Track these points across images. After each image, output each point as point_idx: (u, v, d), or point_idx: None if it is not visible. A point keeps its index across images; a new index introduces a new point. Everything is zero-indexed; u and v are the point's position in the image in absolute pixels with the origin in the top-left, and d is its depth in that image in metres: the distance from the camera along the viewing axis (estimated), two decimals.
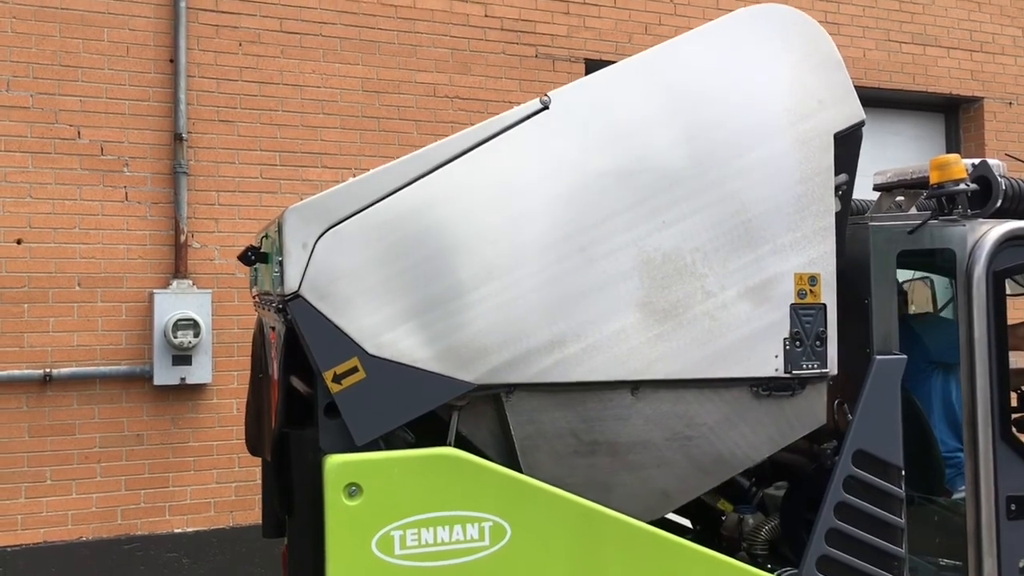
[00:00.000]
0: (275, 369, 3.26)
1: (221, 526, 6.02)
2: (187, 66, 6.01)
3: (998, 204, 3.50)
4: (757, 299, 3.13)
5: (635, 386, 3.03)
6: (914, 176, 3.86)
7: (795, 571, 3.25)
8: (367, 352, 2.77)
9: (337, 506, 2.69)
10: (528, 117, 2.97)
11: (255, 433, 3.89)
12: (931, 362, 3.90)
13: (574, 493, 2.99)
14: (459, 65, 6.64)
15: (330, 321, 2.76)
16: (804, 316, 3.16)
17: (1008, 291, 4.38)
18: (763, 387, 3.15)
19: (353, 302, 2.79)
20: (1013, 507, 3.34)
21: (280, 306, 2.83)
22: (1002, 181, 3.56)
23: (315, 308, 2.75)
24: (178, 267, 5.91)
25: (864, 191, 4.24)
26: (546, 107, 3.00)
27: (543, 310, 2.94)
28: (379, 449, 2.82)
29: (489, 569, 2.79)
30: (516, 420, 2.94)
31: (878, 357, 3.35)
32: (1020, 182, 3.63)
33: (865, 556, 3.23)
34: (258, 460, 5.83)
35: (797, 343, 3.15)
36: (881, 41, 8.09)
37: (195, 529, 5.97)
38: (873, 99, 8.24)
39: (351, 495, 2.70)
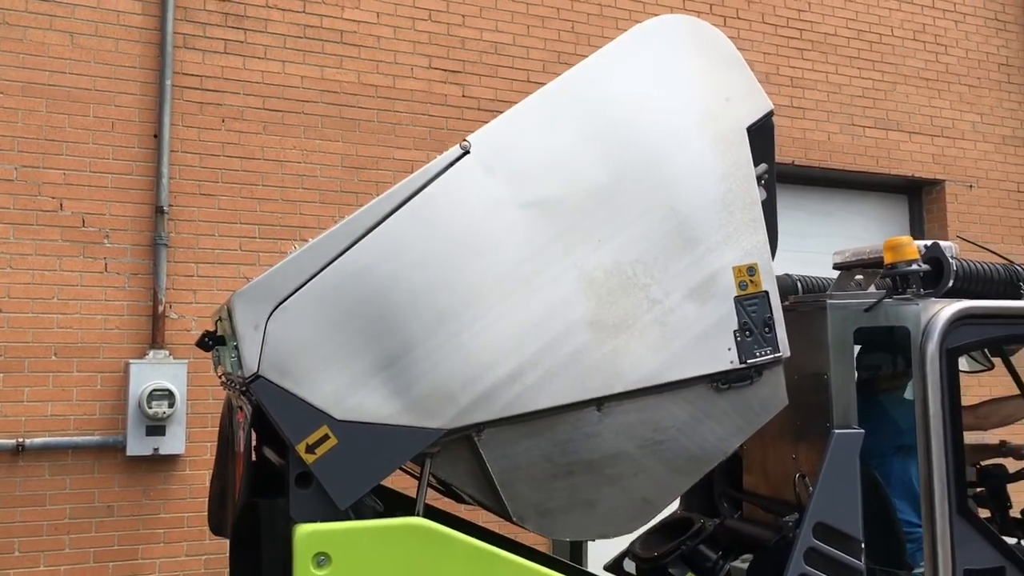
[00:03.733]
0: (241, 444, 3.28)
1: None
2: (171, 141, 6.08)
3: (950, 284, 3.60)
4: (702, 298, 3.18)
5: (599, 403, 3.06)
6: (871, 256, 3.98)
7: None
8: (335, 418, 2.80)
9: (306, 575, 2.71)
10: (451, 164, 3.02)
11: (219, 512, 3.87)
12: (902, 447, 3.96)
13: (559, 517, 3.06)
14: (437, 143, 6.75)
15: (294, 395, 2.80)
16: (749, 306, 3.22)
17: (967, 368, 4.53)
18: (722, 381, 3.19)
19: (313, 372, 2.83)
20: None
21: (243, 388, 2.86)
22: (953, 262, 3.67)
23: (277, 385, 2.79)
24: (155, 337, 5.90)
25: (825, 269, 4.38)
26: (467, 151, 3.05)
27: (498, 346, 2.98)
28: (348, 518, 2.85)
29: None
30: (490, 456, 2.97)
31: (836, 431, 3.42)
32: (971, 263, 3.76)
33: None
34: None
35: (747, 333, 3.21)
36: (845, 125, 8.29)
37: None
38: (838, 181, 8.48)
39: (319, 564, 2.71)
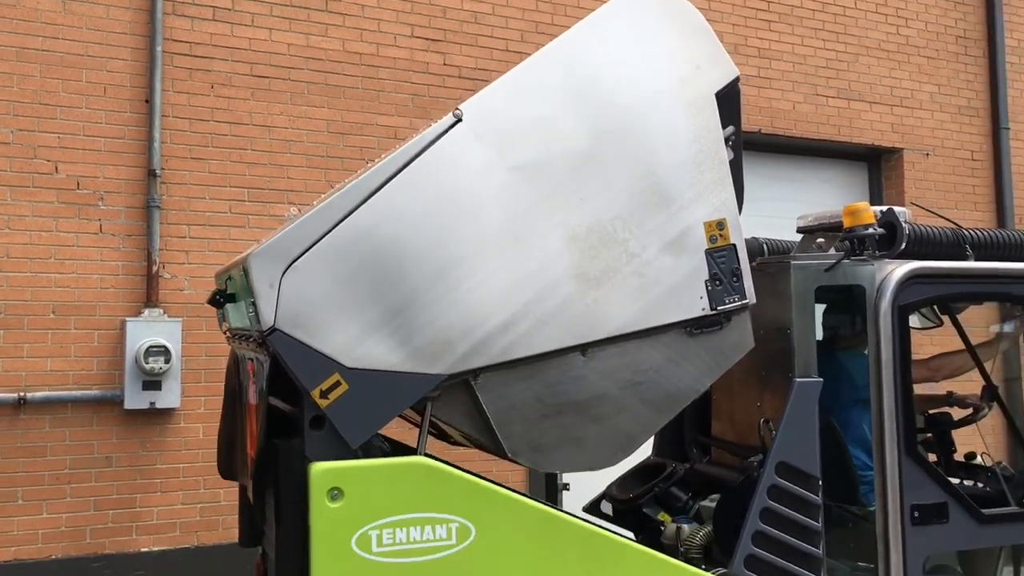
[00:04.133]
0: (252, 393, 3.52)
1: (186, 545, 6.14)
2: (162, 106, 6.22)
3: (902, 246, 3.90)
4: (676, 251, 3.42)
5: (584, 348, 3.30)
6: (831, 220, 4.27)
7: (726, 571, 3.57)
8: (345, 366, 3.01)
9: (321, 508, 2.94)
10: (446, 131, 3.22)
11: (228, 458, 4.10)
12: (861, 401, 4.26)
13: (550, 452, 3.31)
14: (419, 109, 6.95)
15: (308, 346, 3.00)
16: (719, 258, 3.47)
17: (918, 325, 4.85)
18: (694, 327, 3.44)
19: (325, 325, 3.03)
20: (917, 514, 3.69)
21: (261, 340, 3.06)
22: (906, 226, 3.96)
23: (292, 337, 2.99)
24: (149, 296, 6.08)
25: (790, 232, 4.67)
26: (460, 119, 3.25)
27: (492, 298, 3.20)
28: (358, 457, 3.09)
29: (455, 566, 3.05)
30: (487, 398, 3.21)
31: (798, 380, 3.70)
32: (922, 227, 4.06)
33: (787, 556, 3.53)
34: (222, 483, 6.05)
35: (717, 283, 3.46)
36: (809, 95, 8.56)
37: (161, 548, 6.08)
38: (802, 148, 8.75)
39: (333, 498, 2.95)
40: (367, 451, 3.15)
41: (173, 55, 6.32)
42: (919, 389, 4.93)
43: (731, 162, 3.59)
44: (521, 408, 3.27)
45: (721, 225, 3.51)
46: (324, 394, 2.99)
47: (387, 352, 3.08)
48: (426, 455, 3.17)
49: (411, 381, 3.10)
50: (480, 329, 3.19)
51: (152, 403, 5.96)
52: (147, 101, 6.22)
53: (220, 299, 3.54)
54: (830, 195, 9.08)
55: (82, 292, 6.00)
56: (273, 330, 2.97)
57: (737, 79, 3.63)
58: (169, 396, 6.02)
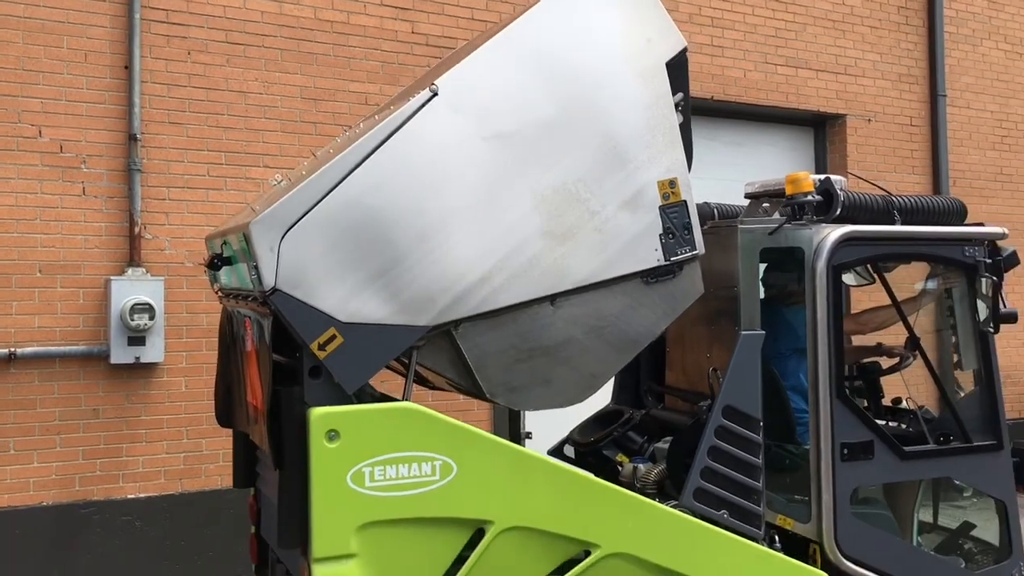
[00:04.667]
0: (251, 344, 3.80)
1: (171, 492, 6.35)
2: (140, 72, 6.32)
3: (838, 212, 4.26)
4: (632, 208, 3.73)
5: (552, 299, 3.61)
6: (775, 188, 4.63)
7: (677, 502, 3.95)
8: (340, 321, 3.30)
9: (320, 448, 3.24)
10: (423, 106, 3.48)
11: (225, 408, 4.34)
12: (800, 350, 4.61)
13: (524, 392, 3.63)
14: (389, 76, 7.12)
15: (306, 304, 3.27)
16: (671, 213, 3.78)
17: (854, 282, 5.25)
18: (650, 276, 3.76)
19: (320, 284, 3.30)
20: (845, 451, 4.10)
21: (263, 300, 3.32)
22: (841, 194, 4.31)
23: (292, 296, 3.25)
24: (132, 256, 6.23)
25: (740, 195, 5.01)
26: (436, 94, 3.50)
27: (469, 256, 3.48)
28: (351, 403, 3.38)
29: (439, 499, 3.36)
30: (466, 346, 3.52)
31: (743, 333, 4.08)
32: (857, 194, 4.41)
33: (731, 489, 3.92)
34: (204, 433, 6.36)
35: (670, 236, 3.77)
36: (759, 63, 8.85)
37: (147, 495, 6.29)
38: (752, 114, 9.10)
39: (331, 439, 3.25)
40: (359, 398, 3.46)
41: (151, 22, 6.40)
42: (854, 341, 5.37)
43: (681, 125, 3.90)
44: (497, 354, 3.58)
45: (673, 184, 3.82)
46: (322, 347, 3.28)
47: (377, 307, 3.37)
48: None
49: (399, 332, 3.39)
50: (459, 284, 3.47)
51: (137, 358, 6.14)
52: (126, 67, 6.32)
53: (218, 263, 3.78)
54: (778, 159, 9.44)
55: (67, 252, 6.14)
56: (275, 290, 3.23)
57: (685, 49, 3.93)
58: (153, 351, 6.20)
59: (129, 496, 6.28)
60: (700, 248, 3.84)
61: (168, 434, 6.40)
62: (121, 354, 6.14)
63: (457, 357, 3.55)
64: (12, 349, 5.95)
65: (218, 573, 6.47)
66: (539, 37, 3.74)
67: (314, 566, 3.25)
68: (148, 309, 6.11)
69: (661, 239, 3.77)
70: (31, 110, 6.11)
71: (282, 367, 3.61)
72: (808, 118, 9.45)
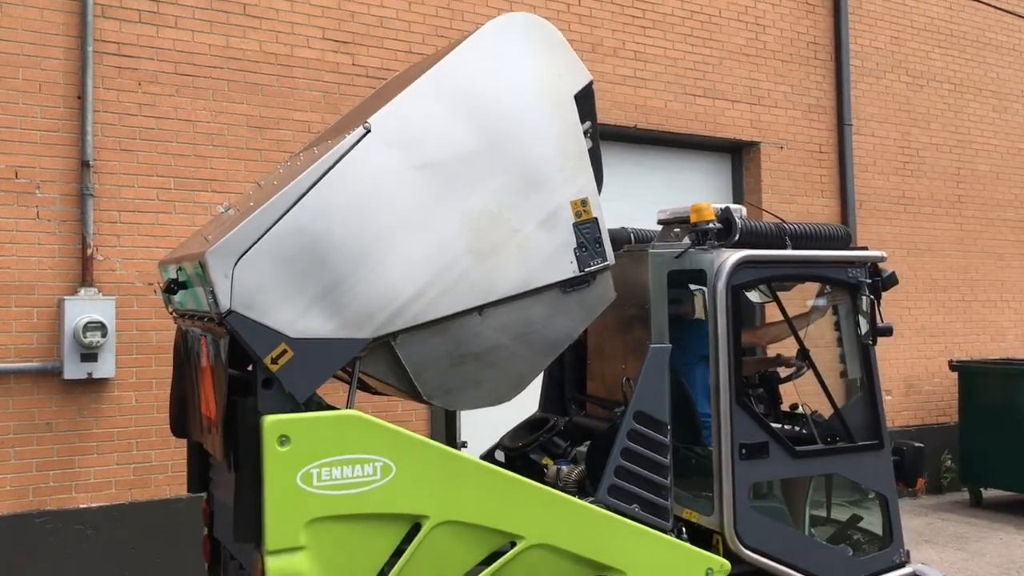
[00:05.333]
0: (206, 364, 4.06)
1: (121, 502, 6.51)
2: (93, 102, 6.50)
3: (736, 238, 4.65)
4: (549, 226, 4.08)
5: (480, 309, 3.93)
6: (683, 215, 5.04)
7: (594, 499, 4.27)
8: (290, 337, 3.58)
9: (272, 451, 3.52)
10: (358, 142, 3.78)
11: (180, 419, 4.59)
12: (704, 357, 5.03)
13: (458, 394, 3.92)
14: (330, 106, 7.39)
15: (259, 323, 3.54)
16: (584, 229, 4.14)
17: (757, 299, 5.71)
18: (567, 285, 4.10)
19: (271, 305, 3.57)
20: (744, 451, 4.48)
21: (219, 321, 3.57)
22: (740, 222, 4.72)
23: (246, 317, 3.52)
24: (84, 277, 6.39)
25: (651, 223, 5.41)
26: (368, 131, 3.82)
27: (404, 274, 3.78)
28: (300, 411, 3.65)
29: (380, 497, 3.67)
30: (404, 354, 3.82)
31: (653, 346, 4.49)
32: (753, 222, 4.84)
33: (642, 486, 4.30)
34: (154, 445, 6.57)
35: (583, 249, 4.12)
36: (679, 94, 9.30)
37: (98, 504, 6.43)
38: (674, 142, 9.57)
39: (282, 444, 3.54)
40: (307, 406, 3.76)
41: (103, 55, 6.59)
42: (757, 353, 5.82)
43: (590, 150, 4.28)
44: (432, 360, 3.89)
45: (584, 203, 4.18)
46: (274, 360, 3.56)
47: (323, 323, 3.66)
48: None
49: (343, 345, 3.69)
50: (396, 300, 3.78)
51: (89, 373, 6.30)
52: (79, 97, 6.50)
53: (174, 287, 4.05)
54: (699, 183, 9.91)
55: (22, 273, 6.28)
56: (230, 312, 3.50)
57: (591, 83, 4.33)
58: (105, 367, 6.37)
59: (81, 506, 6.42)
60: (611, 259, 4.20)
61: (119, 446, 6.55)
62: (74, 370, 6.30)
63: (396, 365, 3.85)
64: None
65: None
66: (462, 75, 4.06)
67: (267, 558, 3.53)
68: (100, 327, 6.30)
69: (575, 252, 4.13)
70: None
71: (235, 380, 3.92)
72: (725, 145, 9.88)
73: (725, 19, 9.72)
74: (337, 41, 7.56)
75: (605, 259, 4.20)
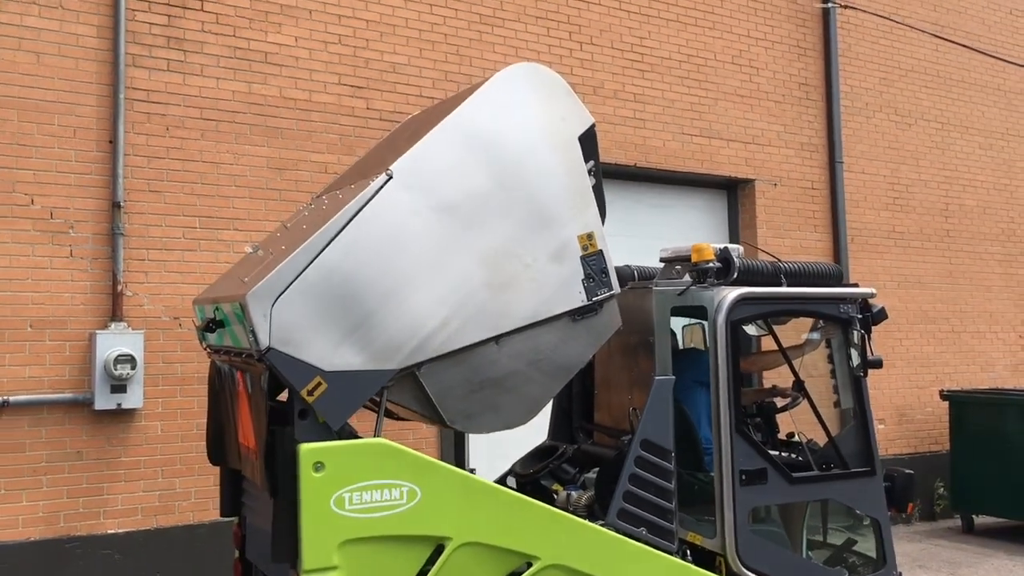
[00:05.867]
0: (244, 395, 4.25)
1: (147, 527, 6.69)
2: (124, 146, 6.76)
3: (734, 276, 4.92)
4: (559, 259, 4.31)
5: (497, 339, 4.15)
6: (684, 254, 5.27)
7: (604, 522, 4.48)
8: (324, 370, 3.80)
9: (308, 477, 3.73)
10: (382, 187, 4.02)
11: (216, 449, 4.78)
12: (700, 382, 5.27)
13: (478, 419, 4.11)
14: (346, 148, 7.66)
15: (296, 358, 3.76)
16: (591, 262, 4.37)
17: (755, 332, 5.96)
18: (577, 314, 4.33)
19: (306, 341, 3.80)
20: (744, 477, 4.69)
21: (259, 358, 3.79)
22: (738, 261, 4.97)
23: (284, 353, 3.74)
24: (115, 312, 6.62)
25: (657, 251, 5.62)
26: (391, 177, 4.06)
27: (427, 309, 4.01)
28: (334, 439, 3.88)
29: (406, 519, 3.88)
30: (428, 383, 4.04)
31: (657, 378, 4.71)
32: (750, 261, 5.09)
33: (649, 509, 4.50)
34: (179, 473, 6.79)
35: (591, 280, 4.34)
36: (677, 134, 9.59)
37: (125, 530, 6.62)
38: (672, 179, 9.86)
39: (317, 470, 3.75)
40: (340, 434, 4.02)
41: (133, 101, 6.87)
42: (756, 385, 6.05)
43: (594, 187, 4.53)
44: (454, 387, 4.11)
45: (591, 236, 4.43)
46: (310, 392, 3.78)
47: (353, 356, 3.88)
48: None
49: (372, 376, 3.91)
50: (420, 333, 4.01)
51: (119, 404, 6.52)
52: (111, 142, 6.76)
53: (212, 326, 4.30)
54: (696, 219, 10.19)
55: (55, 308, 6.52)
56: (269, 349, 3.73)
57: (593, 125, 4.59)
58: (133, 398, 6.58)
59: (109, 531, 6.60)
60: (616, 288, 4.44)
61: (145, 474, 6.75)
62: (104, 401, 6.51)
63: (421, 393, 4.07)
64: (5, 397, 6.28)
65: None
66: (474, 122, 4.31)
67: None
68: (130, 360, 6.53)
69: (583, 283, 4.37)
70: (25, 180, 6.51)
71: (272, 410, 4.15)
72: (721, 182, 10.14)
73: (720, 62, 10.02)
74: (352, 86, 7.84)
75: (611, 288, 4.44)
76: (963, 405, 10.20)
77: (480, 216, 4.21)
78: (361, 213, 3.98)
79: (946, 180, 11.61)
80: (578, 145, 4.52)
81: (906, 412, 10.93)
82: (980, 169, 11.93)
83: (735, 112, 10.08)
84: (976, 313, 11.68)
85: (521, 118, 4.42)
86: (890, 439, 10.74)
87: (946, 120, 11.70)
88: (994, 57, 11.83)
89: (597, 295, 4.39)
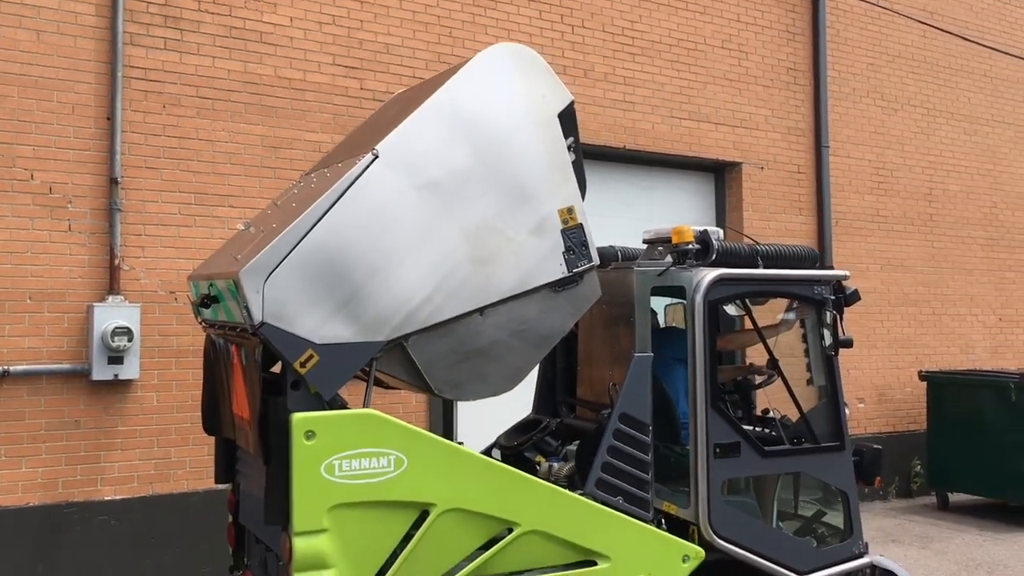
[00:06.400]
0: (239, 367, 4.38)
1: (143, 494, 6.86)
2: (122, 123, 6.88)
3: (713, 258, 5.06)
4: (539, 233, 4.43)
5: (481, 310, 4.30)
6: (666, 235, 5.41)
7: (583, 491, 4.64)
8: (316, 343, 3.94)
9: (300, 445, 3.90)
10: (368, 166, 4.14)
11: (211, 420, 4.93)
12: (678, 360, 5.42)
13: (464, 387, 4.24)
14: (340, 127, 7.76)
15: (288, 332, 3.91)
16: (571, 235, 4.50)
17: (734, 312, 6.13)
18: (558, 285, 4.47)
19: (298, 315, 3.94)
20: (717, 450, 4.86)
21: (253, 332, 3.93)
22: (717, 243, 5.12)
23: (277, 327, 3.88)
24: (112, 285, 6.76)
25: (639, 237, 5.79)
26: (377, 156, 4.18)
27: (413, 283, 4.14)
28: (325, 409, 4.03)
29: (393, 486, 4.04)
30: (416, 354, 4.19)
31: (636, 354, 4.89)
32: (729, 243, 5.24)
33: (626, 480, 4.67)
34: (173, 442, 6.96)
35: (571, 252, 4.47)
36: (666, 117, 9.72)
37: (122, 497, 6.79)
38: (660, 162, 10.01)
39: (308, 438, 3.91)
40: (331, 405, 4.16)
41: (131, 79, 6.98)
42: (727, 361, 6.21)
43: (573, 163, 4.65)
44: (441, 358, 4.26)
45: (570, 211, 4.55)
46: (302, 364, 3.93)
47: (343, 329, 4.03)
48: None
49: (362, 348, 4.06)
50: (407, 306, 4.15)
51: (115, 375, 6.67)
52: (109, 119, 6.88)
53: (207, 302, 4.42)
54: (684, 201, 10.34)
55: (54, 281, 6.65)
56: (263, 324, 3.87)
57: (572, 102, 4.70)
58: (130, 369, 6.74)
59: (106, 498, 6.78)
60: (596, 260, 4.57)
61: (141, 443, 6.92)
62: (101, 371, 6.66)
63: (409, 363, 4.23)
64: (5, 367, 6.43)
65: (184, 565, 7.03)
66: (456, 102, 4.42)
67: (294, 539, 3.91)
68: (127, 332, 6.68)
69: (564, 256, 4.50)
70: (25, 156, 6.63)
71: (265, 381, 4.32)
72: (709, 165, 10.29)
73: (710, 46, 10.13)
74: (346, 67, 7.95)
75: (591, 260, 4.57)
76: (941, 386, 10.43)
77: (463, 193, 4.33)
78: (348, 192, 4.10)
79: (930, 165, 11.78)
80: (558, 122, 4.63)
81: (886, 392, 11.16)
82: (964, 155, 12.10)
83: (724, 96, 10.20)
84: (957, 296, 11.89)
85: (503, 97, 4.53)
86: (869, 418, 10.98)
87: (932, 106, 11.85)
88: (980, 44, 11.97)
89: (577, 267, 4.52)
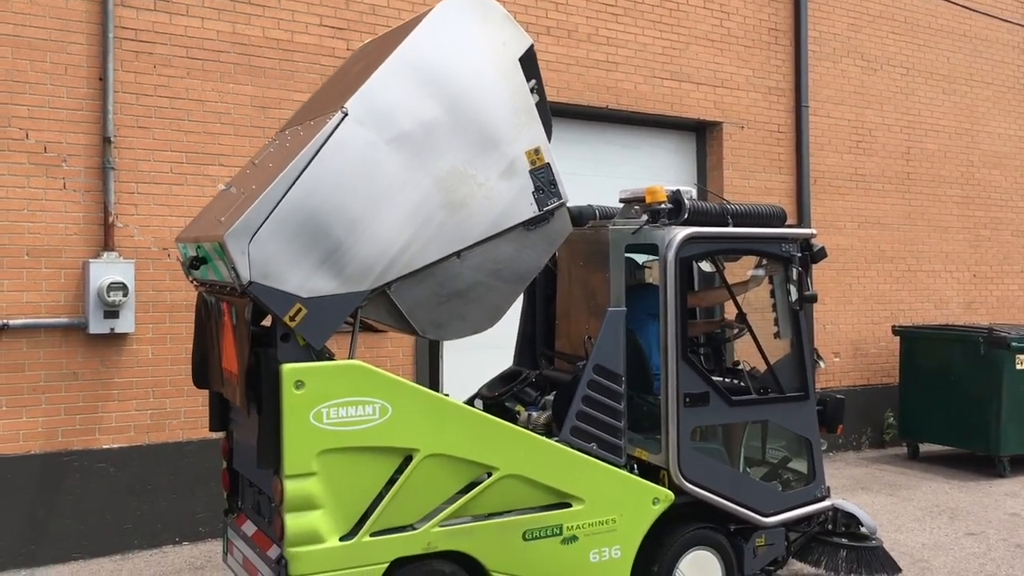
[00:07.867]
0: (229, 323, 4.57)
1: (139, 443, 7.09)
2: (113, 83, 6.98)
3: (685, 216, 5.29)
4: (509, 176, 4.63)
5: (458, 253, 4.51)
6: (641, 195, 5.64)
7: (559, 438, 4.97)
8: (303, 297, 4.17)
9: (290, 394, 4.16)
10: (338, 125, 4.30)
11: (201, 371, 5.13)
12: (652, 315, 5.66)
13: (447, 327, 4.44)
14: None
15: (276, 288, 4.13)
16: (539, 175, 4.69)
17: (709, 269, 6.36)
18: (530, 224, 4.68)
19: (284, 272, 4.15)
20: (687, 399, 5.13)
21: (241, 291, 4.13)
22: (688, 202, 5.37)
23: (265, 284, 4.10)
24: (106, 242, 6.91)
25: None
26: (346, 114, 4.34)
27: (391, 232, 4.33)
28: (313, 360, 4.29)
29: (378, 433, 4.32)
30: (399, 299, 4.42)
31: (610, 309, 5.16)
32: (700, 203, 5.45)
33: (600, 427, 4.95)
34: (169, 393, 7.16)
35: (540, 192, 4.67)
36: (648, 77, 9.83)
37: (119, 445, 7.01)
38: (643, 121, 10.14)
39: (298, 387, 4.17)
40: (319, 356, 4.42)
41: (122, 40, 7.06)
42: (706, 317, 6.45)
43: (537, 104, 4.82)
44: (423, 301, 4.49)
45: (537, 152, 4.74)
46: (292, 318, 4.18)
47: (328, 282, 4.25)
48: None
49: (347, 298, 4.30)
50: (387, 254, 4.36)
51: (112, 329, 6.86)
52: (101, 79, 6.99)
53: (196, 263, 4.62)
54: (665, 160, 10.50)
55: (50, 238, 6.81)
56: (251, 283, 4.08)
57: (532, 46, 4.85)
58: (125, 323, 6.91)
59: (104, 447, 7.00)
60: (565, 198, 4.75)
61: (137, 394, 7.12)
62: (98, 325, 6.84)
63: (393, 309, 4.46)
64: (4, 321, 6.60)
65: (178, 510, 7.28)
66: (420, 53, 4.57)
67: (286, 481, 4.20)
68: (122, 287, 6.86)
69: (534, 195, 4.71)
70: (19, 116, 6.74)
71: (255, 335, 4.53)
72: (690, 125, 10.42)
73: (692, 7, 10.20)
74: (333, 28, 8.04)
75: (560, 198, 4.77)
76: (913, 340, 10.71)
77: (432, 143, 4.49)
78: (322, 150, 4.27)
79: (908, 124, 11.95)
80: (519, 66, 4.78)
81: (860, 346, 11.44)
82: (943, 114, 12.26)
83: (705, 56, 10.30)
84: (932, 253, 12.14)
85: (464, 46, 4.67)
86: (844, 371, 11.27)
87: (911, 66, 11.99)
88: (960, 5, 12.08)
89: (547, 205, 4.71)
